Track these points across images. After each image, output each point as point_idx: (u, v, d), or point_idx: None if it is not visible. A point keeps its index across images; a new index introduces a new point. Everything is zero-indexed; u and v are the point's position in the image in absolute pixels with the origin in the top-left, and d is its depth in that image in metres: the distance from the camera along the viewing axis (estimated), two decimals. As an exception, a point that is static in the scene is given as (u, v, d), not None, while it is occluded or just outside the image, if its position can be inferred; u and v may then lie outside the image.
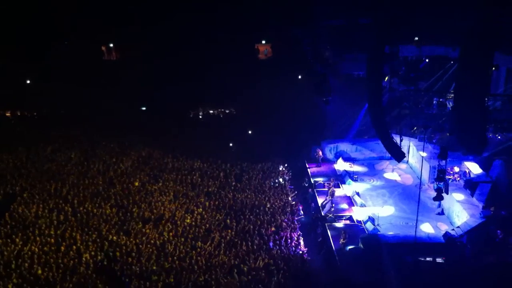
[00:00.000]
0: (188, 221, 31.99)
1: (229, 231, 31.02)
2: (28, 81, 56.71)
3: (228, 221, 32.28)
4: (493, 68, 36.62)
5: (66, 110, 53.59)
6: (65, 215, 32.32)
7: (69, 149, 43.61)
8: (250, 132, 48.48)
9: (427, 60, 42.28)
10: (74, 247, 28.70)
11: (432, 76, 42.86)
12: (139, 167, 40.18)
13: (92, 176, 38.36)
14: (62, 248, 28.58)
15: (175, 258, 27.92)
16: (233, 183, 37.98)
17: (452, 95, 35.39)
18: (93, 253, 28.27)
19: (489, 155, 37.15)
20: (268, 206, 34.51)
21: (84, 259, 27.55)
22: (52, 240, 29.31)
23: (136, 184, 37.28)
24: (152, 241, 29.62)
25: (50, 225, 31.01)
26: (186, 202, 34.54)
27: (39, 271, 26.43)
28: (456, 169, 37.94)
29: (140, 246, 29.04)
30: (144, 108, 54.99)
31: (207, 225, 31.65)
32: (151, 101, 54.08)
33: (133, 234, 30.34)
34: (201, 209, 33.60)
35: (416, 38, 40.71)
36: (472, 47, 25.61)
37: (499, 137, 35.73)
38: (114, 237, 29.79)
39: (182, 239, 29.79)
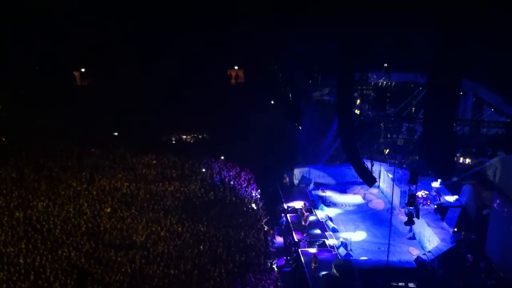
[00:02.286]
0: (160, 248, 31.68)
1: (202, 257, 30.78)
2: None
3: (201, 247, 32.03)
4: (461, 93, 37.41)
5: (35, 135, 52.76)
6: (35, 243, 31.68)
7: (38, 175, 42.85)
8: (222, 157, 48.44)
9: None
10: (43, 276, 28.08)
11: (402, 101, 43.57)
12: (111, 193, 39.67)
13: (62, 203, 37.70)
14: (31, 277, 27.93)
15: (147, 285, 27.54)
16: (207, 209, 37.74)
17: (421, 120, 36.10)
18: (62, 281, 27.71)
19: (458, 180, 37.81)
20: (241, 231, 34.38)
21: (53, 288, 27.04)
22: (22, 270, 28.68)
23: (108, 210, 36.80)
24: (123, 269, 29.18)
25: (19, 254, 30.32)
26: (158, 229, 34.19)
27: (7, 301, 25.86)
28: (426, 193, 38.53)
29: (111, 274, 28.60)
30: (116, 134, 54.55)
31: (180, 252, 31.35)
32: (123, 127, 53.71)
33: (104, 262, 29.86)
34: (174, 236, 33.30)
35: (385, 65, 41.42)
36: (440, 74, 26.20)
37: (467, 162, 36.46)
38: (85, 265, 29.29)
39: (154, 266, 29.43)
